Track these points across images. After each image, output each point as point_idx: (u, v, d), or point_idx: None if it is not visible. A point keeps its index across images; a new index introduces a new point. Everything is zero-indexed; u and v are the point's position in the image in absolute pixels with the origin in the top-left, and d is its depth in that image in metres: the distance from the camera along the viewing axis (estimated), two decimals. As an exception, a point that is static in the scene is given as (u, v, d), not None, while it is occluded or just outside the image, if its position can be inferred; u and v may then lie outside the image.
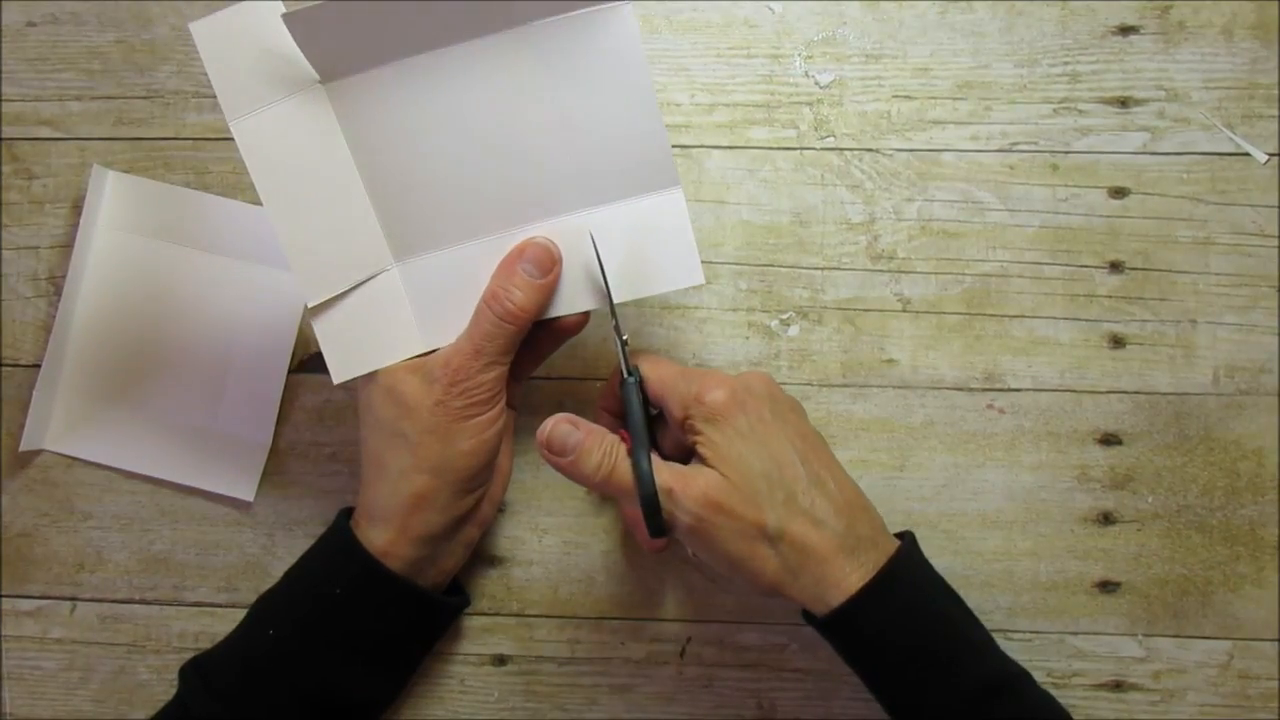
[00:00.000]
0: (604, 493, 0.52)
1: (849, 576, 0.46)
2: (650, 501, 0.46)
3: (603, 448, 0.46)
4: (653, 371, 0.49)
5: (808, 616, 0.48)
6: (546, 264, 0.49)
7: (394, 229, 0.49)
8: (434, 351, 0.49)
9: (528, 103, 0.47)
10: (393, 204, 0.49)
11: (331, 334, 0.50)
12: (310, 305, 0.49)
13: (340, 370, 0.50)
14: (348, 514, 0.52)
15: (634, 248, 0.49)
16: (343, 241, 0.49)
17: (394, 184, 0.49)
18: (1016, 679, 0.47)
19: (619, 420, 0.51)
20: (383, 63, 0.47)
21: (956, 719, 0.45)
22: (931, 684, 0.46)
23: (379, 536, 0.49)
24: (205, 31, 0.47)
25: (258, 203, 0.57)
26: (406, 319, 0.50)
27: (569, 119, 0.48)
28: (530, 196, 0.49)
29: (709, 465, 0.46)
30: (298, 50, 0.46)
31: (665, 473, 0.46)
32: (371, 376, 0.50)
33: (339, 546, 0.50)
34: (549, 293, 0.49)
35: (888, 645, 0.46)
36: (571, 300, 0.50)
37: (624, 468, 0.46)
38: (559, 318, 0.50)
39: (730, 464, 0.46)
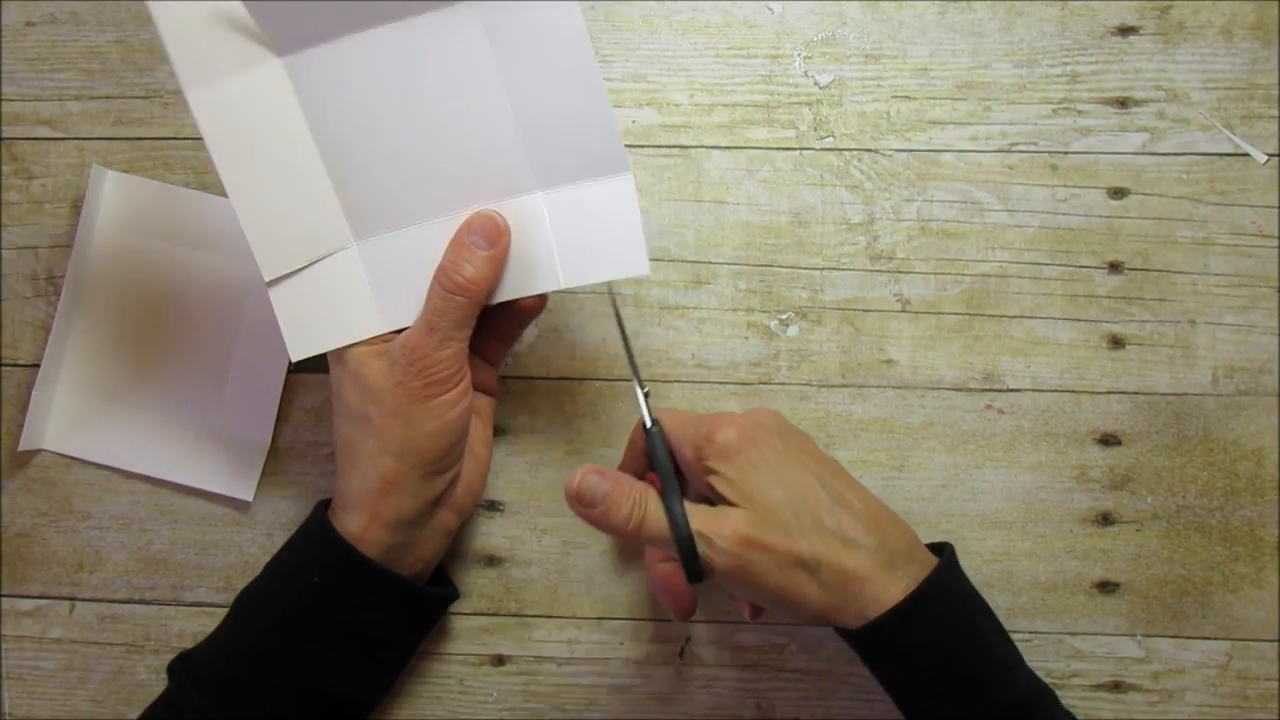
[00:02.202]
0: (636, 542, 0.52)
1: (888, 591, 0.45)
2: (686, 545, 0.45)
3: (631, 496, 0.46)
4: (666, 420, 0.49)
5: (839, 629, 0.47)
6: (493, 235, 0.48)
7: (353, 207, 0.49)
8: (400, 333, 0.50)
9: (477, 81, 0.47)
10: (351, 181, 0.49)
11: (290, 311, 0.50)
12: (267, 280, 0.49)
13: (298, 348, 0.50)
14: (325, 505, 0.52)
15: (582, 231, 0.48)
16: (301, 217, 0.49)
17: (352, 160, 0.49)
18: (1044, 699, 0.47)
19: (641, 477, 0.50)
20: (338, 36, 0.47)
21: None
22: (961, 701, 0.45)
23: (353, 523, 0.49)
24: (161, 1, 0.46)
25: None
26: (365, 298, 0.50)
27: (517, 100, 0.47)
28: (484, 176, 0.49)
29: (733, 503, 0.46)
30: (254, 22, 0.46)
31: (696, 517, 0.45)
32: (341, 361, 0.50)
33: (315, 535, 0.50)
34: (498, 264, 0.48)
35: (920, 660, 0.46)
36: (525, 282, 0.49)
37: (655, 515, 0.46)
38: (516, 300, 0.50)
39: (753, 499, 0.45)
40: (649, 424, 0.48)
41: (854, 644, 0.47)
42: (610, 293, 0.51)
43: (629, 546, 0.56)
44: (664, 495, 0.46)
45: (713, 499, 0.47)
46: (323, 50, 0.47)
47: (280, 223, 0.49)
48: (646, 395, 0.49)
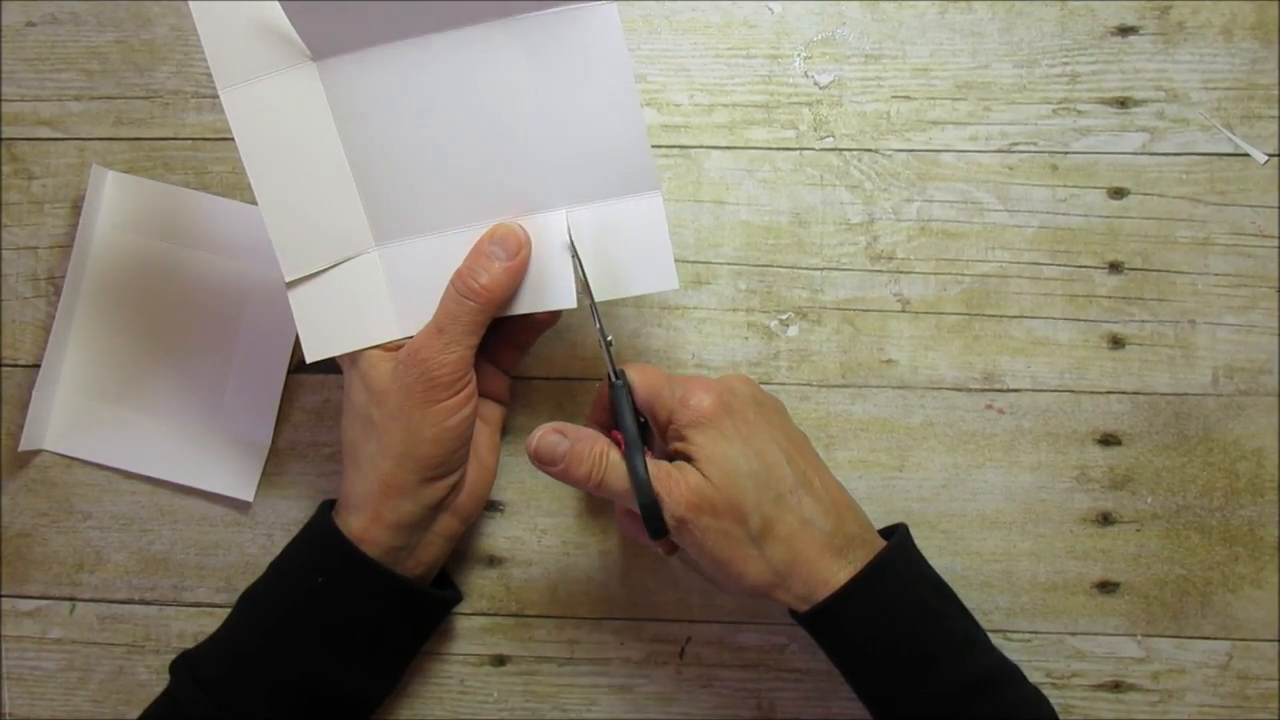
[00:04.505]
0: (599, 496, 0.53)
1: (837, 575, 0.46)
2: (649, 507, 0.45)
3: (592, 455, 0.46)
4: (639, 379, 0.49)
5: (793, 612, 0.48)
6: (514, 246, 0.48)
7: (376, 212, 0.50)
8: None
9: (512, 95, 0.48)
10: (377, 186, 0.49)
11: (307, 312, 0.50)
12: (288, 280, 0.49)
13: (314, 349, 0.50)
14: (329, 505, 0.52)
15: (610, 248, 0.49)
16: (325, 219, 0.49)
17: (379, 166, 0.49)
18: (1001, 677, 0.47)
19: (607, 430, 0.50)
20: (374, 44, 0.47)
21: (931, 717, 0.45)
22: (907, 682, 0.46)
23: (355, 523, 0.49)
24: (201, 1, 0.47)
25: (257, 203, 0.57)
26: (383, 303, 0.50)
27: (551, 115, 0.48)
28: (511, 188, 0.49)
29: (694, 467, 0.46)
30: (290, 25, 0.47)
31: (656, 477, 0.46)
32: (353, 363, 0.50)
33: (318, 535, 0.50)
34: (516, 275, 0.49)
35: (865, 642, 0.46)
36: (544, 297, 0.50)
37: (617, 472, 0.46)
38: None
39: (715, 465, 0.46)
40: (614, 378, 0.48)
41: (804, 626, 0.48)
42: (569, 236, 0.49)
43: (630, 546, 0.56)
44: (627, 453, 0.46)
45: (677, 455, 0.47)
46: (357, 57, 0.47)
47: (304, 225, 0.49)
48: (609, 345, 0.48)
